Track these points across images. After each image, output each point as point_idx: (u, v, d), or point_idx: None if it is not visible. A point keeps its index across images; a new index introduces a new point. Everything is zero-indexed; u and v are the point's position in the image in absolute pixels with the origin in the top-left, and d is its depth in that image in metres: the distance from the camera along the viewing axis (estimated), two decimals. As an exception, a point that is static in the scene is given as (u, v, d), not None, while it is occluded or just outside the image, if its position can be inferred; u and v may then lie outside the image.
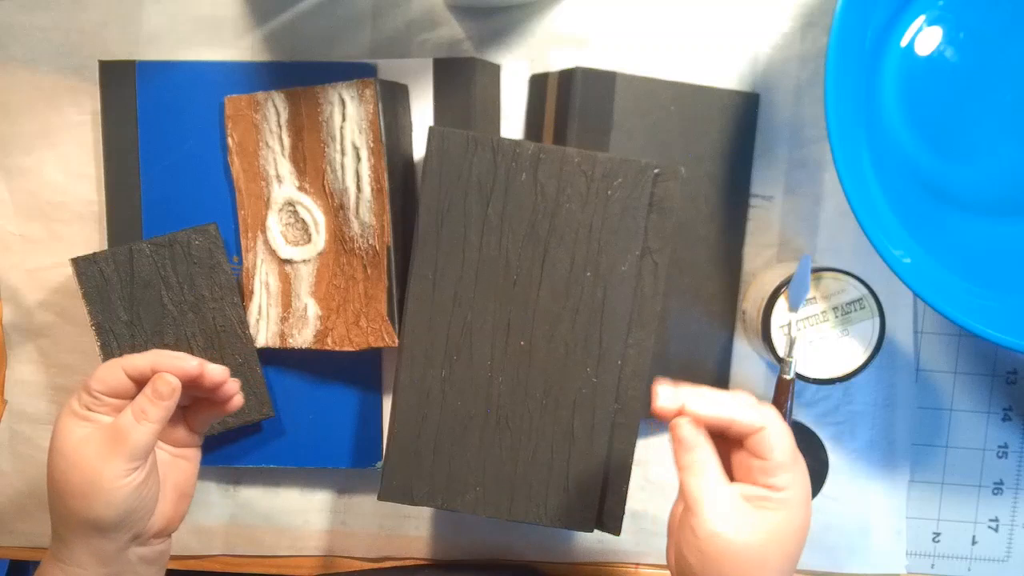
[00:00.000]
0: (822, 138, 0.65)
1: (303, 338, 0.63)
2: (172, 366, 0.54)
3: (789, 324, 0.60)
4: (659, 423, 0.67)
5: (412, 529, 0.69)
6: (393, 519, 0.69)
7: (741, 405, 0.48)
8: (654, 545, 0.69)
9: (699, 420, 0.47)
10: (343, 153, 0.61)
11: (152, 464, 0.54)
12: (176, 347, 0.62)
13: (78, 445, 0.52)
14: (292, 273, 0.63)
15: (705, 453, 0.47)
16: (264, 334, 0.64)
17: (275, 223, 0.63)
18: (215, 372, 0.56)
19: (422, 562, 0.70)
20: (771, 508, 0.46)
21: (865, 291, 0.60)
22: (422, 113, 0.65)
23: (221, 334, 0.63)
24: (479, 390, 0.58)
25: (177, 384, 0.53)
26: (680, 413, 0.47)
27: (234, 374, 0.63)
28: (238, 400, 0.58)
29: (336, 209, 0.62)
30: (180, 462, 0.58)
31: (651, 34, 0.64)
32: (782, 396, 0.60)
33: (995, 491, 0.68)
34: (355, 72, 0.62)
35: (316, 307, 0.63)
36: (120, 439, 0.51)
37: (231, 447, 0.66)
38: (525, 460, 0.58)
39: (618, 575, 0.70)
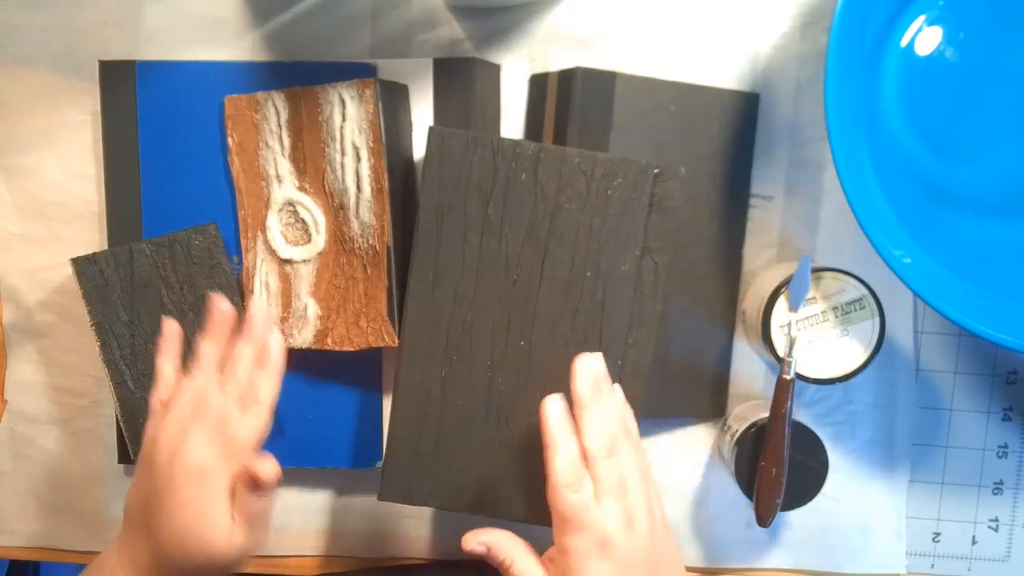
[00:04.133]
0: (822, 138, 0.65)
1: (303, 338, 0.63)
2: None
3: (789, 324, 0.60)
4: (659, 423, 0.67)
5: (412, 529, 0.69)
6: (393, 519, 0.69)
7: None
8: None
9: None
10: (343, 153, 0.61)
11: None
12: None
13: None
14: (292, 273, 0.63)
15: (505, 552, 0.53)
16: (264, 334, 0.64)
17: (275, 223, 0.63)
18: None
19: (422, 562, 0.70)
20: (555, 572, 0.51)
21: (865, 291, 0.60)
22: (422, 113, 0.65)
23: (221, 334, 0.63)
24: (479, 390, 0.58)
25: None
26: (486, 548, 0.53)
27: (234, 374, 0.63)
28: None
29: (336, 209, 0.62)
30: None
31: (651, 34, 0.64)
32: (782, 396, 0.60)
33: (995, 491, 0.68)
34: (355, 72, 0.62)
35: (316, 307, 0.63)
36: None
37: (231, 447, 0.66)
38: (525, 460, 0.58)
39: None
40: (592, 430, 0.51)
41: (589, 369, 0.53)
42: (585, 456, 0.51)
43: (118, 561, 0.54)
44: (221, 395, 0.55)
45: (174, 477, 0.52)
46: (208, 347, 0.57)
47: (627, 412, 0.56)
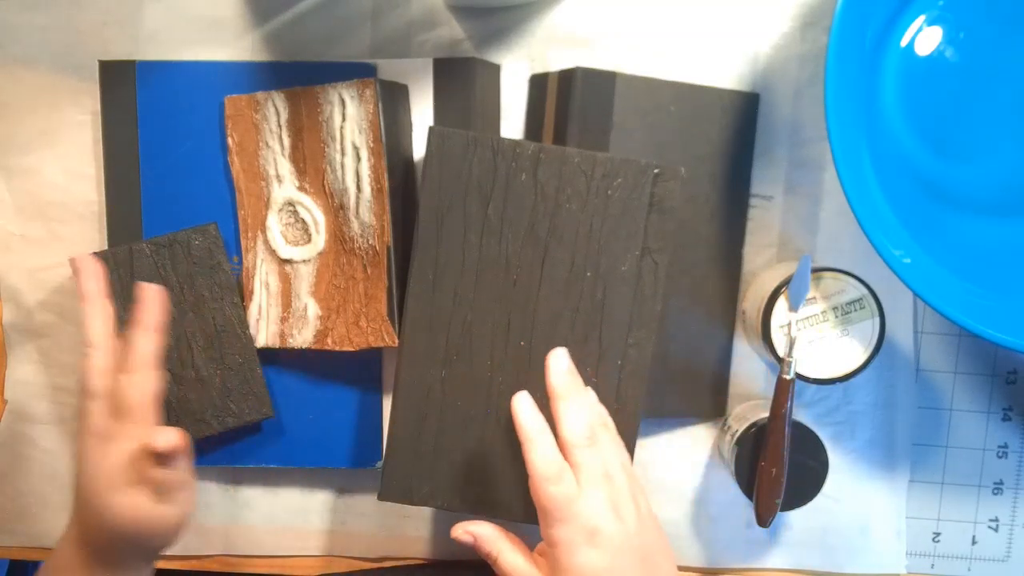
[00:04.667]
0: (822, 138, 0.65)
1: (303, 338, 0.63)
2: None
3: (789, 324, 0.60)
4: (659, 423, 0.67)
5: (412, 529, 0.69)
6: (393, 519, 0.69)
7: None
8: (654, 545, 0.69)
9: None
10: (343, 153, 0.61)
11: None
12: (176, 347, 0.63)
13: None
14: (292, 273, 0.63)
15: (492, 544, 0.54)
16: (264, 334, 0.64)
17: (275, 223, 0.63)
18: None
19: (422, 562, 0.70)
20: (545, 567, 0.52)
21: (865, 291, 0.60)
22: (422, 113, 0.65)
23: (221, 334, 0.63)
24: (479, 390, 0.58)
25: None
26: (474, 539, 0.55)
27: (234, 374, 0.63)
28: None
29: (336, 209, 0.62)
30: None
31: (651, 34, 0.64)
32: (782, 396, 0.60)
33: (995, 491, 0.68)
34: (355, 72, 0.62)
35: (316, 307, 0.63)
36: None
37: (231, 447, 0.66)
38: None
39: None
40: (571, 419, 0.52)
41: (562, 362, 0.54)
42: (563, 448, 0.51)
43: (64, 538, 0.56)
44: (103, 362, 0.55)
45: (82, 446, 0.54)
46: (86, 320, 0.57)
47: (602, 410, 0.57)
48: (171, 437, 0.52)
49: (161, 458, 0.52)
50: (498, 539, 0.54)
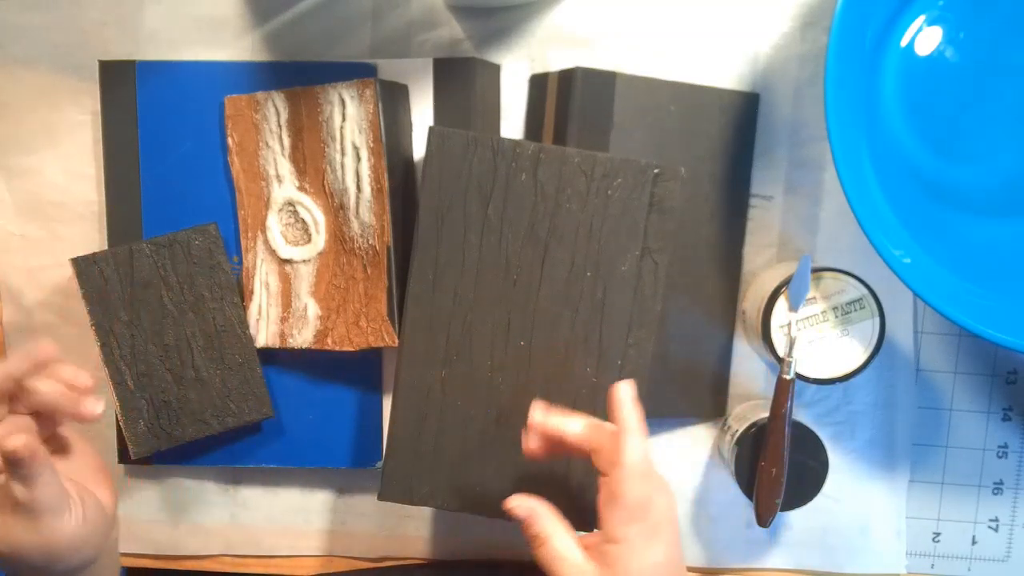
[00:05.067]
0: (822, 138, 0.65)
1: (303, 338, 0.63)
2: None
3: (789, 324, 0.60)
4: (659, 423, 0.67)
5: (412, 529, 0.69)
6: (393, 519, 0.69)
7: (596, 433, 0.51)
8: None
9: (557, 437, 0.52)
10: (343, 153, 0.61)
11: None
12: (176, 347, 0.63)
13: None
14: (292, 273, 0.63)
15: (545, 524, 0.51)
16: (264, 334, 0.64)
17: (275, 223, 0.63)
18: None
19: (422, 562, 0.70)
20: (600, 561, 0.49)
21: (865, 291, 0.60)
22: (422, 113, 0.65)
23: (221, 334, 0.63)
24: (479, 390, 0.58)
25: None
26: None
27: (234, 374, 0.63)
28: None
29: (336, 209, 0.62)
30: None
31: (651, 34, 0.64)
32: (782, 396, 0.60)
33: (995, 491, 0.68)
34: (355, 72, 0.62)
35: (316, 307, 0.63)
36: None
37: (231, 447, 0.66)
38: (525, 460, 0.58)
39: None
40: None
41: (629, 392, 0.53)
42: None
43: None
44: None
45: None
46: None
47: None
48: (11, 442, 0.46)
49: (13, 471, 0.47)
50: (551, 520, 0.52)
